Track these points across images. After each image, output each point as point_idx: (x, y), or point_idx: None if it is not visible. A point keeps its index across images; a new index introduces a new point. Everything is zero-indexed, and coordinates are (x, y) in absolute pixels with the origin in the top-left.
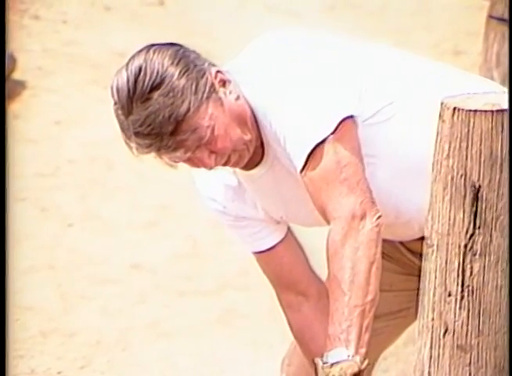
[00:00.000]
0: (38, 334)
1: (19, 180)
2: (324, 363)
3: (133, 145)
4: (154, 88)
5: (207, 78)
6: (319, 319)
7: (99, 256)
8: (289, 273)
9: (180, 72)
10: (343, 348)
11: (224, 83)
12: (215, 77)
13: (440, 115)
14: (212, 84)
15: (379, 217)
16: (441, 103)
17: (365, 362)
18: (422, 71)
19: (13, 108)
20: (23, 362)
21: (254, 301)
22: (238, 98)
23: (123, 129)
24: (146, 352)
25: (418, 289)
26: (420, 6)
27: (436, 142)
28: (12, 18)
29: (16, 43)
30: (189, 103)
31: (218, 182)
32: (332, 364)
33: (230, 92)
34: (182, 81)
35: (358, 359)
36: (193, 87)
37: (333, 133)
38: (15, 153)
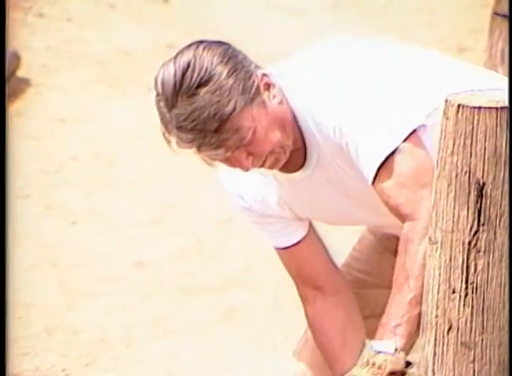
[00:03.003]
0: (42, 331)
1: (23, 177)
2: (371, 347)
3: (173, 139)
4: (201, 84)
5: (253, 80)
6: (332, 314)
7: (103, 253)
8: (309, 269)
9: (229, 72)
10: (392, 341)
11: (268, 86)
12: (261, 80)
13: (444, 112)
14: (258, 87)
15: None
16: (446, 100)
17: (408, 366)
18: (451, 72)
19: (17, 106)
20: (28, 359)
21: (258, 298)
22: (281, 102)
23: (164, 122)
24: (150, 349)
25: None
26: (424, 3)
27: (440, 139)
28: (16, 16)
29: (20, 41)
30: (235, 103)
31: (246, 180)
32: (379, 352)
33: (274, 96)
34: (230, 80)
35: (403, 356)
36: (240, 87)
37: (405, 140)
38: (19, 151)
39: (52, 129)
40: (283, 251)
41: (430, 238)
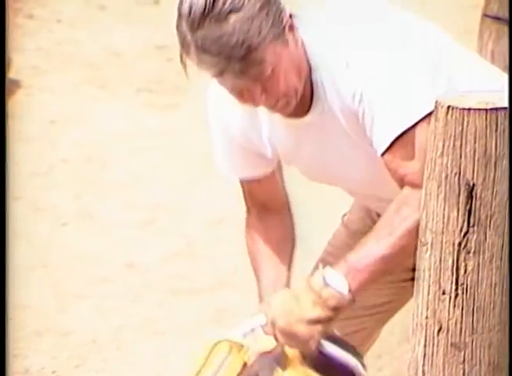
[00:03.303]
0: (32, 333)
1: (14, 179)
2: (324, 278)
3: (193, 60)
4: (233, 11)
5: (282, 18)
6: (270, 226)
7: (93, 255)
8: (265, 197)
9: (262, 4)
10: (347, 283)
11: (293, 28)
12: (288, 20)
13: (434, 113)
14: (285, 26)
15: None
16: (436, 102)
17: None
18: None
19: (8, 107)
20: (18, 361)
21: (248, 300)
22: (300, 48)
23: (184, 45)
24: (140, 350)
25: (403, 281)
26: (414, 4)
27: (430, 140)
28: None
29: (10, 42)
30: (265, 35)
31: (236, 113)
32: (328, 285)
33: (296, 40)
34: (263, 12)
35: (349, 300)
36: (270, 21)
37: (426, 117)
38: (9, 153)
39: (42, 131)
40: (247, 182)
41: (420, 239)
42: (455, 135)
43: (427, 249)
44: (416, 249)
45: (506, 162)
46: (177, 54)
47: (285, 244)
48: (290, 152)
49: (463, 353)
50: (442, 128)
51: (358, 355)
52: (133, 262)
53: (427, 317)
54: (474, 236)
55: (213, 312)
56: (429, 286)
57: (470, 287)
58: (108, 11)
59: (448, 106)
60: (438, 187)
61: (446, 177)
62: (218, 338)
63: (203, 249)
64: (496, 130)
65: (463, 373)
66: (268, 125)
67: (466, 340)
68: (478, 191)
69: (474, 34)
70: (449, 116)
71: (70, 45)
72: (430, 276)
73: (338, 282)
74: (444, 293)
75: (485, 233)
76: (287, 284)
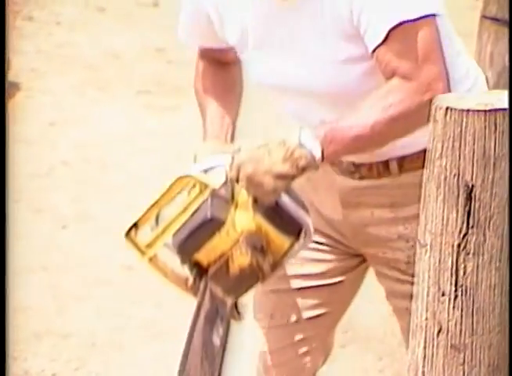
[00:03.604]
0: (32, 335)
1: (14, 181)
2: (299, 136)
3: None
4: None
5: None
6: (222, 72)
7: (93, 257)
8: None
9: None
10: (319, 145)
11: None
12: None
13: (432, 115)
14: None
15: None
16: (434, 104)
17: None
18: None
19: (7, 109)
20: (17, 364)
21: (248, 301)
22: None
23: None
24: (140, 352)
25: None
26: None
27: (429, 142)
28: (6, 19)
29: (9, 44)
30: None
31: None
32: (302, 145)
33: None
34: None
35: (318, 162)
36: None
37: (426, 17)
38: (9, 154)
39: (42, 133)
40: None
41: (419, 241)
42: (454, 137)
43: (426, 250)
44: (392, 140)
45: (505, 163)
46: (177, 56)
47: (233, 95)
48: (260, 34)
49: (462, 355)
50: (441, 130)
51: (309, 217)
52: (133, 263)
53: (426, 319)
54: (474, 238)
55: None
56: (428, 287)
57: (470, 289)
58: (107, 13)
59: (447, 108)
60: (437, 189)
61: (445, 178)
62: (183, 173)
63: None
64: (495, 131)
65: (463, 374)
66: (247, 3)
67: (466, 341)
68: (477, 192)
69: (472, 35)
70: (448, 117)
71: (70, 48)
72: (429, 277)
73: (313, 145)
74: (443, 294)
75: (485, 235)
76: (232, 139)
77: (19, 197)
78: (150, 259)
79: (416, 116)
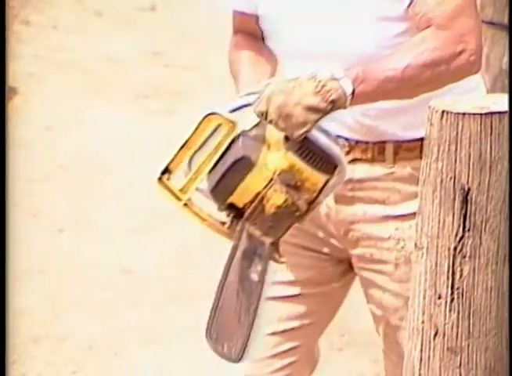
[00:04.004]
0: (29, 339)
1: (11, 185)
2: (331, 71)
3: None
4: None
5: None
6: (251, 43)
7: (90, 261)
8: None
9: None
10: (351, 83)
11: None
12: None
13: (428, 118)
14: None
15: (473, 56)
16: (430, 107)
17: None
18: None
19: (7, 114)
20: (15, 368)
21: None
22: None
23: None
24: (137, 356)
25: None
26: None
27: (425, 145)
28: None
29: (6, 49)
30: None
31: None
32: (334, 78)
33: None
34: None
35: (349, 98)
36: None
37: None
38: (6, 159)
39: (39, 137)
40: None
41: (415, 244)
42: (450, 140)
43: (422, 254)
44: (421, 91)
45: (501, 166)
46: (174, 60)
47: (268, 59)
48: None
49: (459, 357)
50: (437, 133)
51: (343, 154)
52: (130, 267)
53: (423, 322)
54: (470, 241)
55: None
56: (425, 290)
57: (466, 292)
58: (104, 17)
59: (443, 111)
60: (434, 192)
61: (441, 182)
62: (209, 111)
63: (200, 255)
64: (491, 134)
65: None
66: None
67: (463, 344)
68: (473, 195)
69: None
70: (444, 121)
71: (67, 52)
72: (425, 280)
73: (344, 81)
74: (440, 297)
75: (481, 238)
76: None
77: (16, 201)
78: (185, 204)
79: (446, 67)
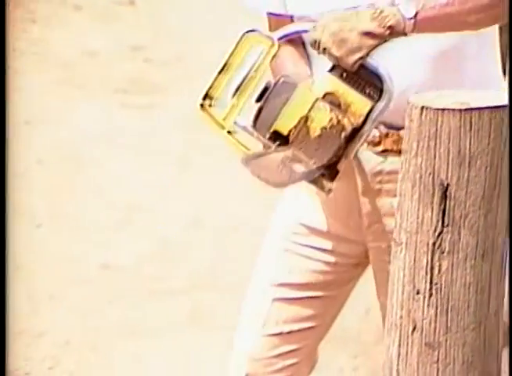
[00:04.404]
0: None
1: None
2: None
3: None
4: None
5: None
6: None
7: (69, 256)
8: None
9: None
10: (415, 8)
11: None
12: None
13: (408, 114)
14: None
15: None
16: (409, 103)
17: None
18: None
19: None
20: None
21: (225, 301)
22: None
23: None
24: (115, 352)
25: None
26: None
27: (404, 141)
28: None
29: None
30: None
31: None
32: (394, 4)
33: None
34: None
35: (409, 24)
36: None
37: None
38: None
39: (17, 132)
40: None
41: (394, 239)
42: (429, 136)
43: (401, 249)
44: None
45: (480, 162)
46: (153, 54)
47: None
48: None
49: (437, 352)
50: (416, 129)
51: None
52: (109, 263)
53: (401, 317)
54: (449, 236)
55: (189, 314)
56: (403, 286)
57: (445, 287)
58: (83, 11)
59: (422, 107)
60: (413, 187)
61: (420, 177)
62: (248, 28)
63: (179, 250)
64: (470, 130)
65: (437, 372)
66: None
67: (440, 339)
68: (452, 191)
69: None
70: (423, 116)
71: (45, 46)
72: (404, 275)
73: (406, 6)
74: (418, 293)
75: (459, 233)
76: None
77: None
78: (229, 132)
79: None
